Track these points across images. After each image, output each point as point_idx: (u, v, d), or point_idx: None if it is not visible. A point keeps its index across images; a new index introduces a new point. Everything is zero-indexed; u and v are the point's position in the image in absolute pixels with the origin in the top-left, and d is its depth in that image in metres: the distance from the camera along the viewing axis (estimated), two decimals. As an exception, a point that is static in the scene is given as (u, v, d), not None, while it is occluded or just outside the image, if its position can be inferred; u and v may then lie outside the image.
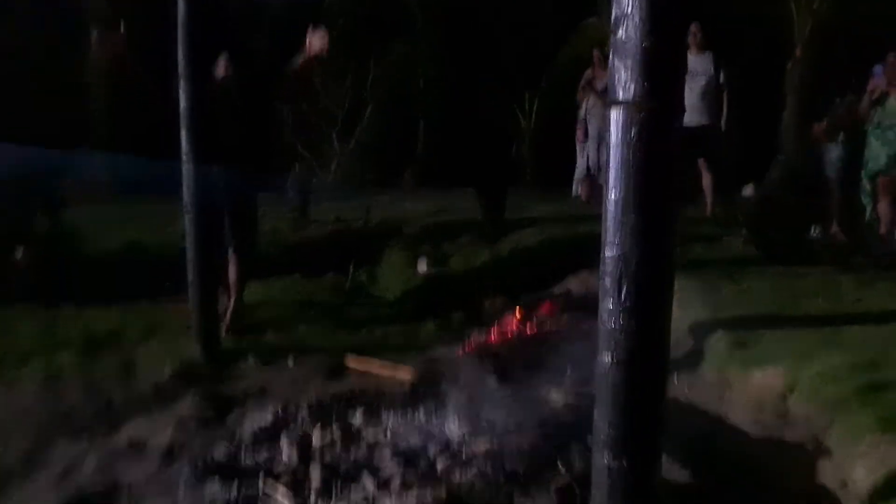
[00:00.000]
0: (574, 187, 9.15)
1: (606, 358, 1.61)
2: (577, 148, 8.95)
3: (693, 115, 7.09)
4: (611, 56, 1.56)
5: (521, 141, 12.18)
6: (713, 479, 2.87)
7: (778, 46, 9.27)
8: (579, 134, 8.84)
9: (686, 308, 4.42)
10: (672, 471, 2.76)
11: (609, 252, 1.59)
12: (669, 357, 1.63)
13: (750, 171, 7.80)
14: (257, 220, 5.42)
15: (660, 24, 1.50)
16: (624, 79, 1.53)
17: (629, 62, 1.52)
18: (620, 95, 1.54)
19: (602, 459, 1.64)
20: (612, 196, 1.57)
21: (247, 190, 5.13)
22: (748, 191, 6.31)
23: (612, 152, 1.56)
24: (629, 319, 1.57)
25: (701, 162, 7.19)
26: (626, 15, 1.52)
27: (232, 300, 5.13)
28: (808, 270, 5.04)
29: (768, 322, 4.04)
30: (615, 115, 1.55)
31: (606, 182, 1.60)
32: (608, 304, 1.59)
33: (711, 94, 7.10)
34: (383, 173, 12.59)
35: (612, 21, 1.54)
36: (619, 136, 1.54)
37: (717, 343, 3.93)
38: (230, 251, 5.08)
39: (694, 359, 3.96)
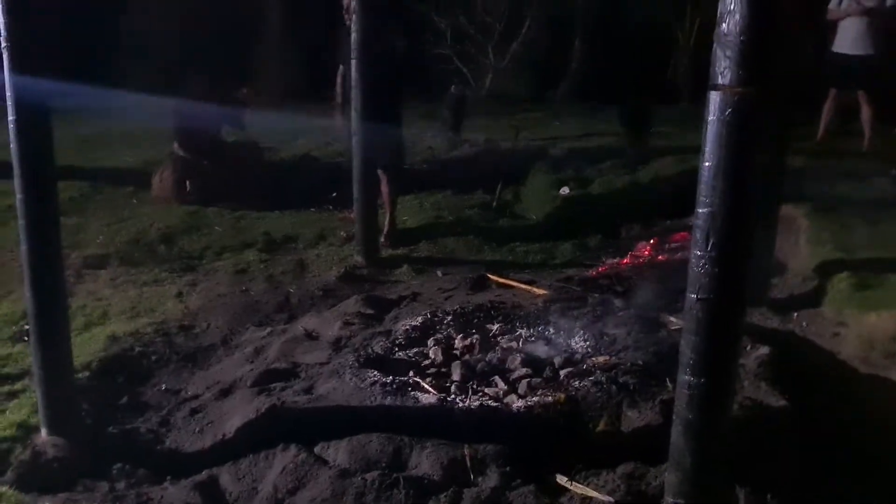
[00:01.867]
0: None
1: (693, 295, 1.97)
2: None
3: (858, 44, 6.86)
4: (714, 45, 1.85)
5: (679, 59, 11.91)
6: (811, 407, 3.13)
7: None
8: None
9: (816, 246, 4.57)
10: (770, 396, 3.08)
11: (701, 209, 1.92)
12: (745, 298, 1.96)
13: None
14: (402, 139, 5.94)
15: (758, 22, 1.77)
16: (723, 66, 1.82)
17: (728, 52, 1.81)
18: (719, 80, 1.84)
19: (684, 376, 2.02)
20: (707, 163, 1.89)
21: (393, 111, 5.62)
22: None
23: (708, 127, 1.87)
24: (712, 267, 1.90)
25: (861, 94, 6.95)
26: (730, 11, 1.80)
27: (388, 214, 5.72)
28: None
29: (895, 266, 4.12)
30: (714, 97, 1.85)
31: (703, 149, 1.91)
32: (697, 251, 1.94)
33: (880, 25, 6.77)
34: (536, 88, 12.76)
35: (718, 16, 1.83)
36: (716, 114, 1.85)
37: (840, 283, 4.09)
38: (380, 169, 5.64)
39: (816, 295, 4.15)
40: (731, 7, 1.79)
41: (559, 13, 12.89)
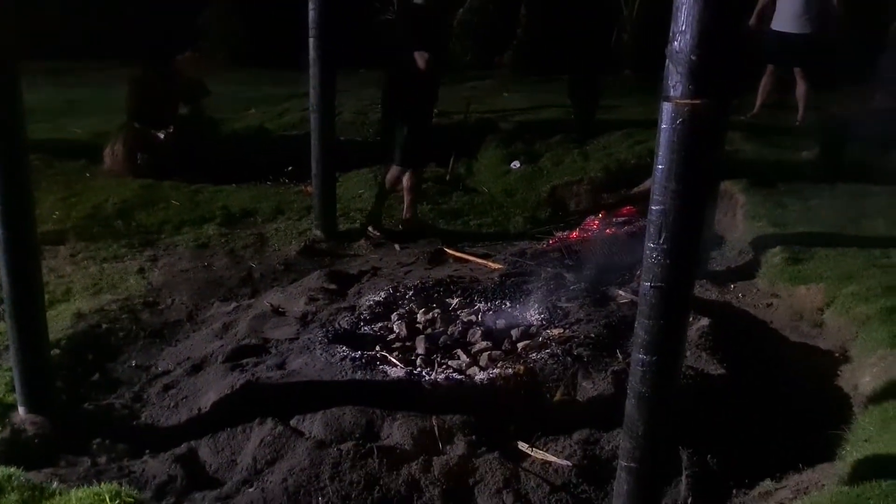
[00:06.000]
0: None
1: (647, 283, 2.19)
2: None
3: (796, 23, 7.14)
4: (667, 61, 2.04)
5: (623, 30, 12.11)
6: (747, 373, 3.44)
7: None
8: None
9: (752, 221, 4.88)
10: (710, 364, 3.36)
11: (654, 206, 2.13)
12: (693, 286, 2.19)
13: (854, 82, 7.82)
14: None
15: (706, 42, 1.96)
16: (675, 80, 2.02)
17: (679, 68, 2.00)
18: (671, 92, 2.04)
19: (638, 354, 2.25)
20: (660, 165, 2.10)
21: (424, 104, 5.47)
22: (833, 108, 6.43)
23: (661, 134, 2.08)
24: (664, 257, 2.12)
25: (797, 71, 7.28)
26: (681, 31, 1.98)
27: (408, 203, 5.64)
28: (880, 190, 5.31)
29: (824, 240, 4.46)
30: (666, 107, 2.05)
31: (656, 153, 2.12)
32: (650, 243, 2.15)
33: (817, 3, 7.07)
34: (483, 56, 12.86)
35: (670, 34, 2.02)
36: (668, 122, 2.05)
37: (774, 257, 4.40)
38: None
39: (752, 269, 4.47)
40: (683, 28, 1.98)
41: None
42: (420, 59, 5.08)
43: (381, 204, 5.63)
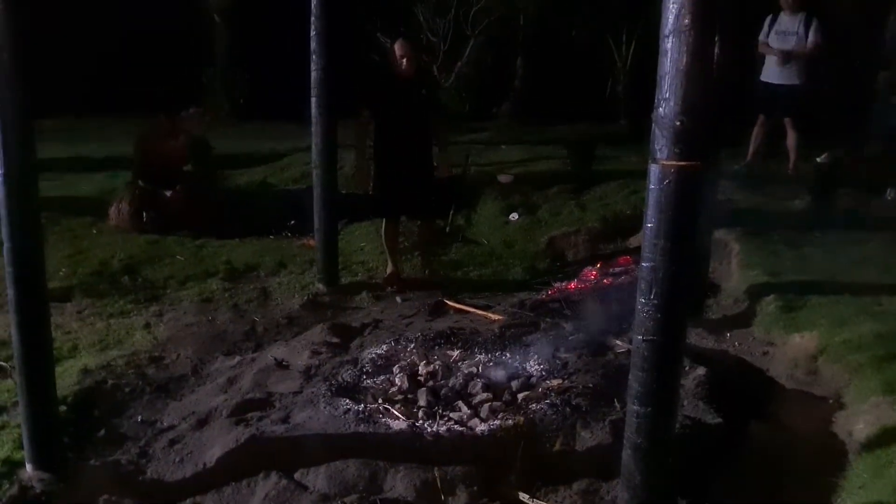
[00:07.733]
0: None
1: (639, 336, 2.28)
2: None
3: (782, 74, 7.36)
4: (653, 126, 2.17)
5: (617, 81, 12.37)
6: (744, 421, 3.48)
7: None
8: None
9: (747, 270, 4.98)
10: (707, 413, 3.42)
11: (645, 263, 2.24)
12: (684, 338, 2.27)
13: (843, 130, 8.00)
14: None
15: (689, 109, 2.09)
16: (661, 144, 2.14)
17: (665, 132, 2.13)
18: (657, 155, 2.16)
19: (632, 406, 2.33)
20: (649, 224, 2.21)
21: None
22: (823, 157, 6.57)
23: (649, 194, 2.19)
24: (655, 312, 2.22)
25: (787, 121, 7.46)
26: (665, 98, 2.12)
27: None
28: (871, 237, 5.41)
29: (817, 288, 4.55)
30: (654, 169, 2.17)
31: (645, 212, 2.23)
32: (641, 299, 2.25)
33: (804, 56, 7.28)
34: (481, 107, 13.10)
35: (656, 101, 2.15)
36: (655, 183, 2.17)
37: (768, 305, 4.49)
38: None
39: (747, 317, 4.55)
40: (667, 95, 2.11)
41: (501, 33, 13.24)
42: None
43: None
